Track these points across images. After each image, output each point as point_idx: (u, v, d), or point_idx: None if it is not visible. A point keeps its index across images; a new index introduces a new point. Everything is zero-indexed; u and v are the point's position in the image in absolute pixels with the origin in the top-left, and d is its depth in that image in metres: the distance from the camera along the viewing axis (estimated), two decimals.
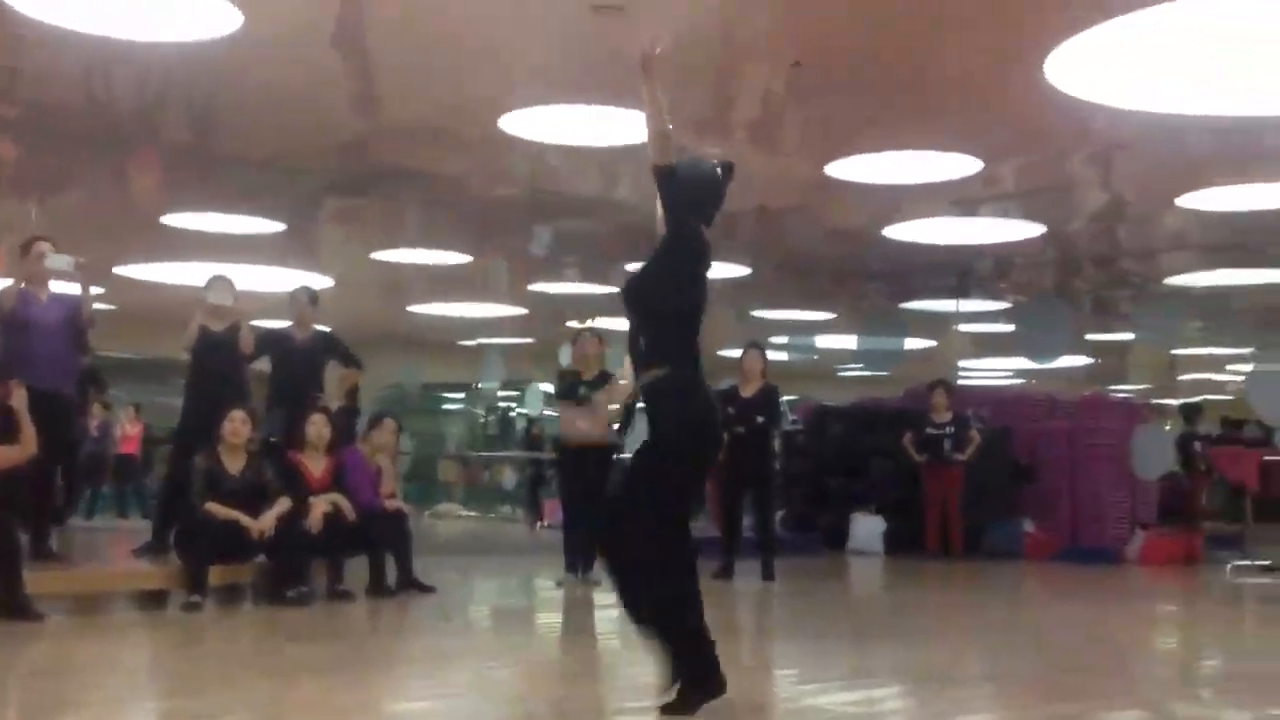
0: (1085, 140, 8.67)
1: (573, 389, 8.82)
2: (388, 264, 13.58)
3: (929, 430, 11.99)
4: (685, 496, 4.36)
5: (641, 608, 4.25)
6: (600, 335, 9.28)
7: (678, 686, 4.20)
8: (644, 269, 4.39)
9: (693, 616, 4.21)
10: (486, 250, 13.28)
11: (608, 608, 8.19)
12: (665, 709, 4.17)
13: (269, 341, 8.55)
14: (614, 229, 12.01)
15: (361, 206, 11.44)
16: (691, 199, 4.33)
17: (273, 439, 8.06)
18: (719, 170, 4.40)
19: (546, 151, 8.92)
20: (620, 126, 8.22)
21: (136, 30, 6.73)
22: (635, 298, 4.38)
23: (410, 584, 7.81)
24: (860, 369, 22.06)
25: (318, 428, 7.76)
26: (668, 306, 4.29)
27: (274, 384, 8.57)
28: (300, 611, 6.94)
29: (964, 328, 16.29)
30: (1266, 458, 12.08)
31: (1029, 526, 12.26)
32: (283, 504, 7.30)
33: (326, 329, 9.02)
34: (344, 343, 9.00)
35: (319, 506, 7.43)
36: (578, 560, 8.77)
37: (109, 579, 7.50)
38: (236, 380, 8.04)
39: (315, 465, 7.70)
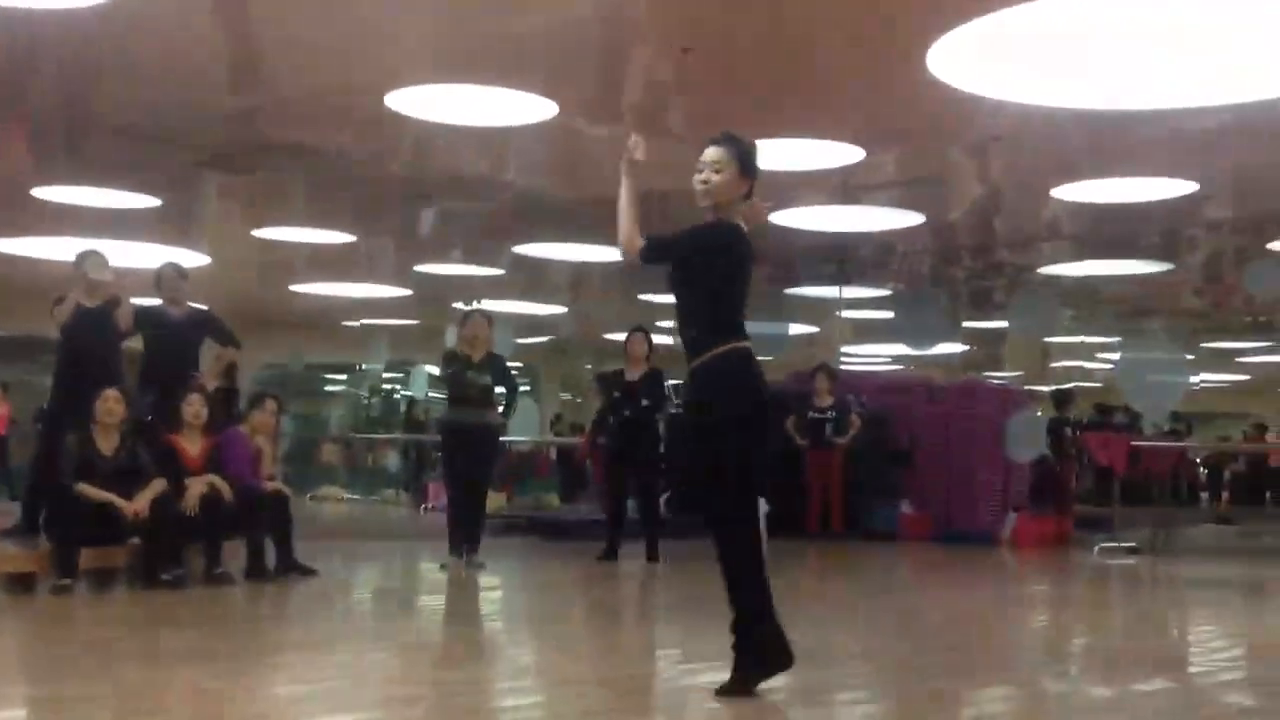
0: (965, 131, 8.86)
1: (460, 371, 8.75)
2: (269, 242, 13.33)
3: (811, 414, 12.17)
4: (751, 463, 4.44)
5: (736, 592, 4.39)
6: (489, 316, 9.23)
7: (736, 667, 4.35)
8: (687, 260, 4.50)
9: (760, 592, 4.38)
10: (371, 230, 13.12)
11: (492, 590, 8.18)
12: (722, 690, 4.32)
13: (143, 319, 8.31)
14: (500, 210, 11.96)
15: (242, 183, 11.21)
16: (752, 178, 4.52)
17: (147, 419, 7.86)
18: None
19: (433, 130, 8.83)
20: (507, 107, 8.18)
21: None
22: (677, 293, 4.52)
23: (291, 567, 7.69)
24: None
25: (195, 407, 7.60)
26: (707, 296, 4.44)
27: (147, 363, 8.35)
28: (176, 595, 6.80)
29: (846, 314, 16.54)
30: (1134, 442, 12.50)
31: (906, 509, 12.52)
32: (157, 485, 7.13)
33: (203, 306, 8.82)
34: (222, 320, 8.82)
35: (196, 488, 7.28)
36: (461, 543, 8.72)
37: None
38: (110, 359, 7.83)
39: (192, 446, 7.54)
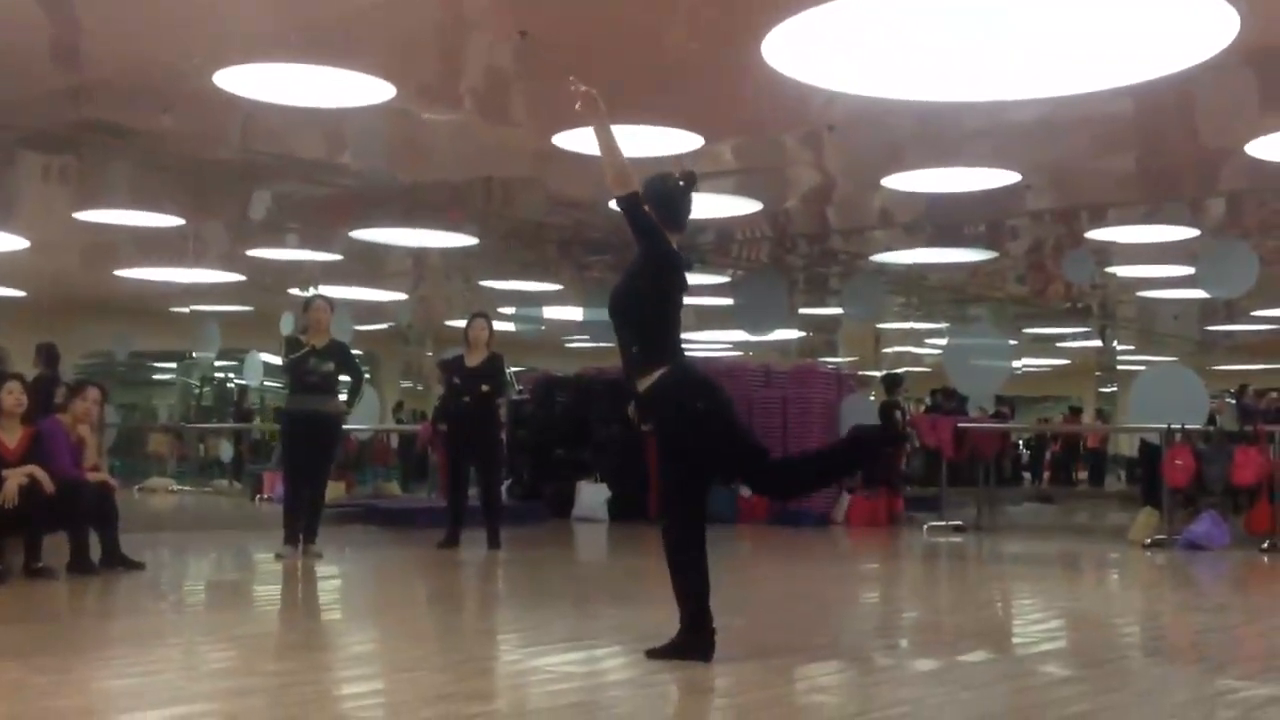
0: (799, 120, 9.03)
1: (303, 358, 8.56)
2: (93, 225, 12.82)
3: None
4: (705, 473, 4.90)
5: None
6: (330, 302, 9.06)
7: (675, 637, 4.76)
8: (626, 285, 4.87)
9: (699, 581, 4.79)
10: (201, 213, 12.73)
11: (330, 579, 8.05)
12: (651, 651, 4.75)
13: None
14: (337, 194, 11.75)
15: (62, 163, 10.77)
16: (662, 214, 4.80)
17: None
18: (682, 183, 4.92)
19: (266, 111, 8.61)
20: (343, 88, 8.03)
21: None
22: (623, 311, 4.85)
23: (116, 560, 7.45)
24: (587, 340, 22.34)
25: (15, 396, 7.28)
26: (651, 316, 4.80)
27: None
28: None
29: (686, 300, 16.72)
30: (960, 424, 12.94)
31: (744, 492, 12.73)
32: None
33: None
34: None
35: (14, 479, 6.98)
36: (298, 532, 8.56)
37: None
38: None
39: (9, 436, 7.22)
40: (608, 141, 4.75)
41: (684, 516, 4.88)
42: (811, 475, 5.17)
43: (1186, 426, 10.74)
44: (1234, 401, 16.26)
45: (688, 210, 4.98)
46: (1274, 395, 16.91)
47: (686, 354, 4.95)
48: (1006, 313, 19.77)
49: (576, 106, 4.80)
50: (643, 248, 4.82)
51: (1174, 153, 10.14)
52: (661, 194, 4.88)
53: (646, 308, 4.83)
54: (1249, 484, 10.69)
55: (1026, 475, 22.83)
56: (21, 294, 17.11)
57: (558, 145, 9.36)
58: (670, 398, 4.76)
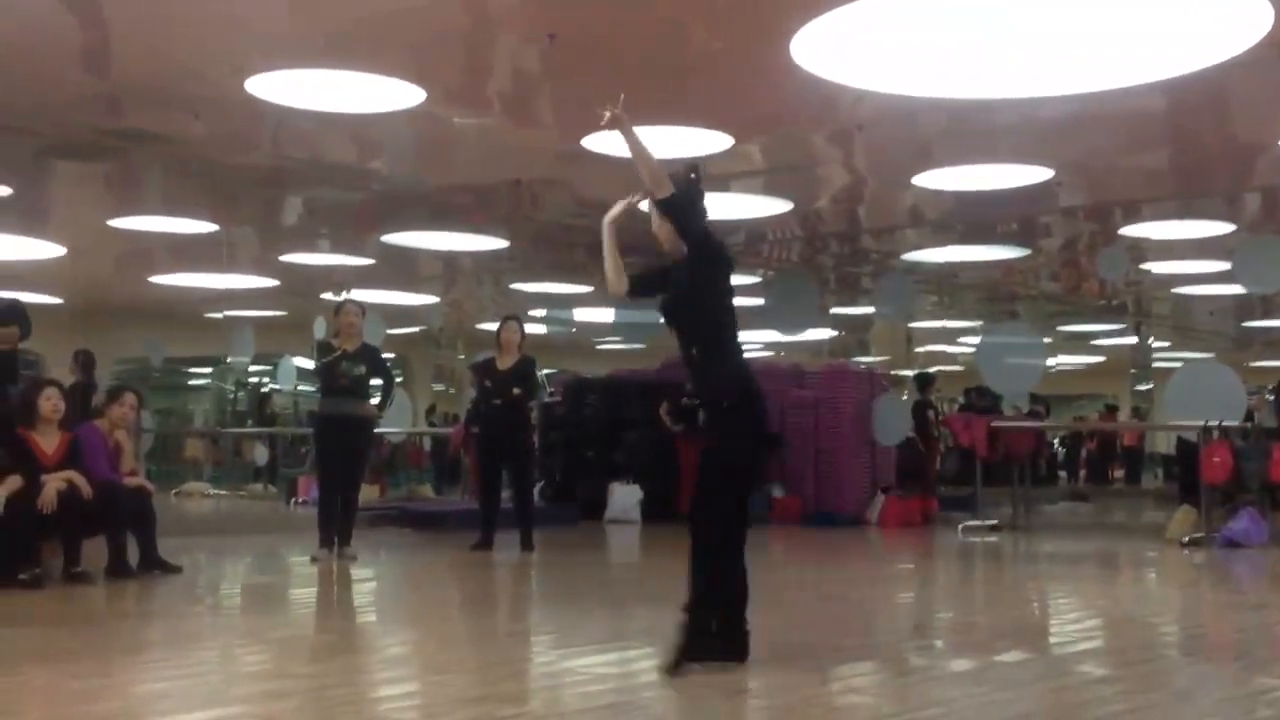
0: (829, 119, 8.99)
1: (335, 362, 8.60)
2: (127, 232, 12.93)
3: (684, 400, 12.22)
4: (751, 476, 5.08)
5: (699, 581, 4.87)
6: (362, 306, 9.10)
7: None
8: (681, 287, 4.85)
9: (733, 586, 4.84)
10: (234, 219, 12.82)
11: (365, 581, 8.09)
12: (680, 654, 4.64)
13: None
14: (368, 198, 11.80)
15: (96, 171, 10.87)
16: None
17: None
18: (693, 175, 4.94)
19: (297, 116, 8.66)
20: (373, 93, 8.07)
21: None
22: (681, 315, 4.89)
23: (154, 564, 7.51)
24: (618, 341, 22.36)
25: (53, 402, 7.35)
26: (711, 315, 4.85)
27: None
28: (33, 595, 6.59)
29: None
30: (994, 423, 12.86)
31: (777, 492, 12.70)
32: (12, 482, 6.90)
33: None
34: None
35: (52, 484, 7.05)
36: (332, 536, 8.60)
37: None
38: None
39: (48, 442, 7.29)
40: (640, 151, 4.79)
41: (728, 513, 4.94)
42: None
43: (1224, 423, 10.63)
44: (1272, 398, 16.07)
45: (702, 200, 5.00)
46: None
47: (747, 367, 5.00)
48: (1040, 310, 19.64)
49: (602, 123, 4.81)
50: (692, 243, 4.82)
51: (1207, 148, 10.05)
52: (685, 193, 4.90)
53: (697, 307, 4.85)
54: None
55: (1062, 474, 22.67)
56: (57, 301, 17.28)
57: (586, 147, 9.37)
58: (730, 400, 4.87)
